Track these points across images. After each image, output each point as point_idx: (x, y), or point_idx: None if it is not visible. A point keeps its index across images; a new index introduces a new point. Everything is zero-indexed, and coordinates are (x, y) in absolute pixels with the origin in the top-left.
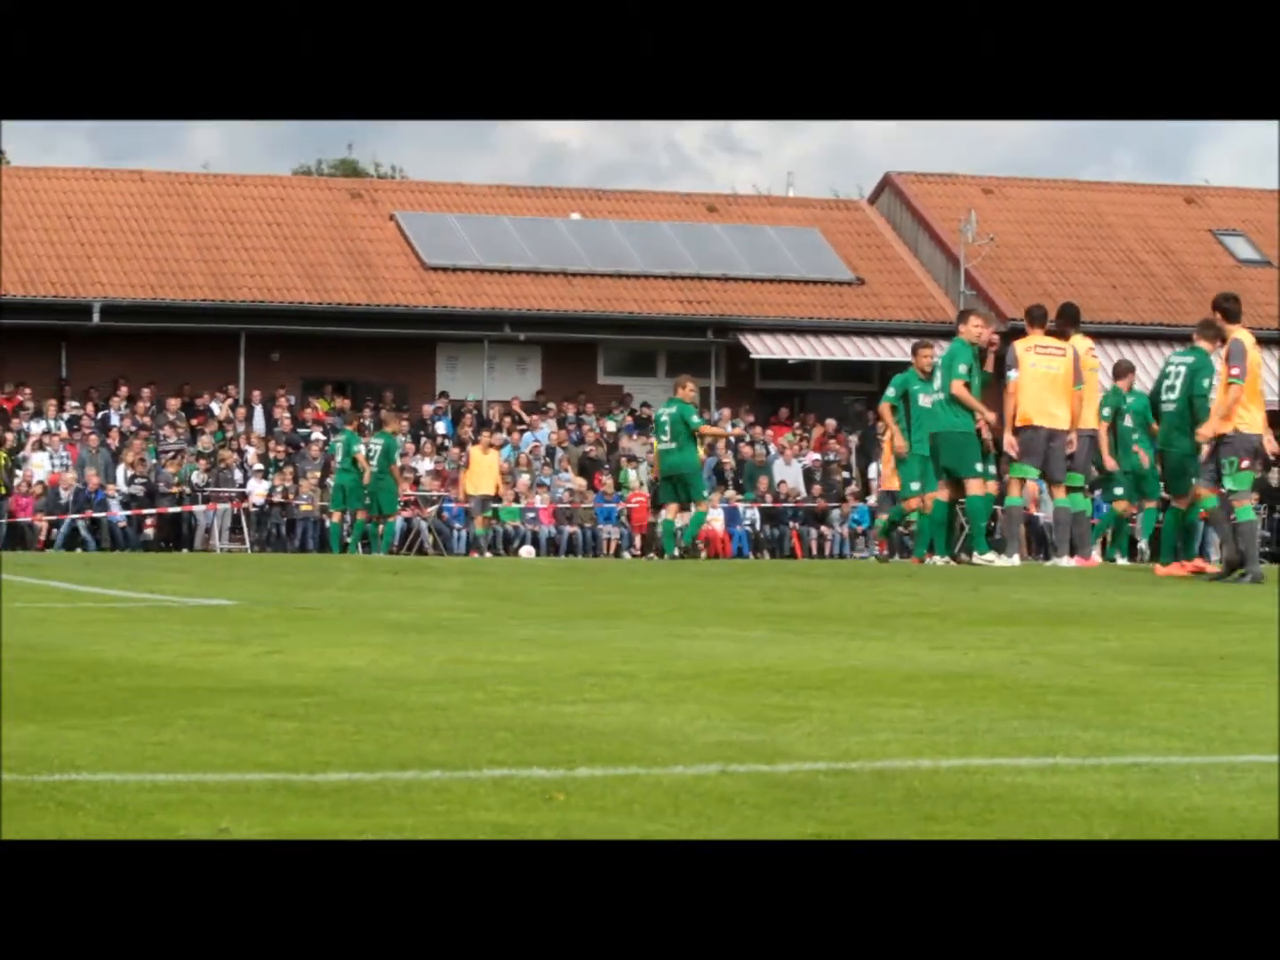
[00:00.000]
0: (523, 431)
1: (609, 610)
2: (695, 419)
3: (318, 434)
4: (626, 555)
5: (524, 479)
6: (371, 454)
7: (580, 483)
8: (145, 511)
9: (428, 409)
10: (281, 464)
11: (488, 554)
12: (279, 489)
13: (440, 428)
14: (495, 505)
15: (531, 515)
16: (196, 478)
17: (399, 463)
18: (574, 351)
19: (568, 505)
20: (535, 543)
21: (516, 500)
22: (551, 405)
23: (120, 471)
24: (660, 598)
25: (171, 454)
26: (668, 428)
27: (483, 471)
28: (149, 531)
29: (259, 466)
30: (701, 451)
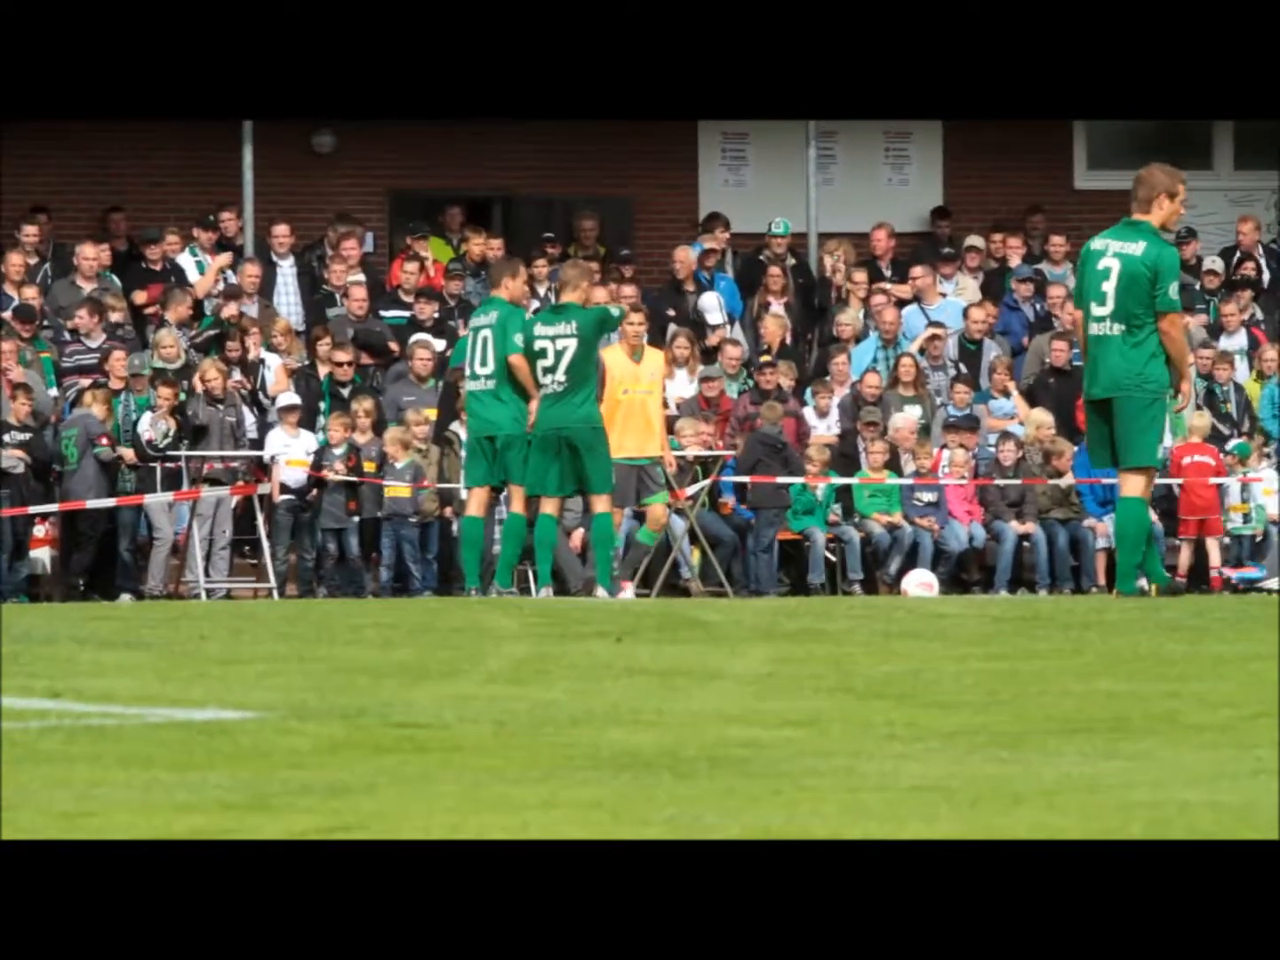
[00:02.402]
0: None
1: None
2: None
3: (416, 316)
4: None
5: None
6: (558, 354)
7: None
8: (33, 510)
9: (683, 257)
10: (348, 391)
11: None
12: (339, 451)
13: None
14: None
15: None
16: (147, 426)
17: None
18: None
19: None
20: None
21: None
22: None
23: None
24: None
25: (88, 367)
26: None
27: None
28: (40, 552)
29: (290, 398)
30: None
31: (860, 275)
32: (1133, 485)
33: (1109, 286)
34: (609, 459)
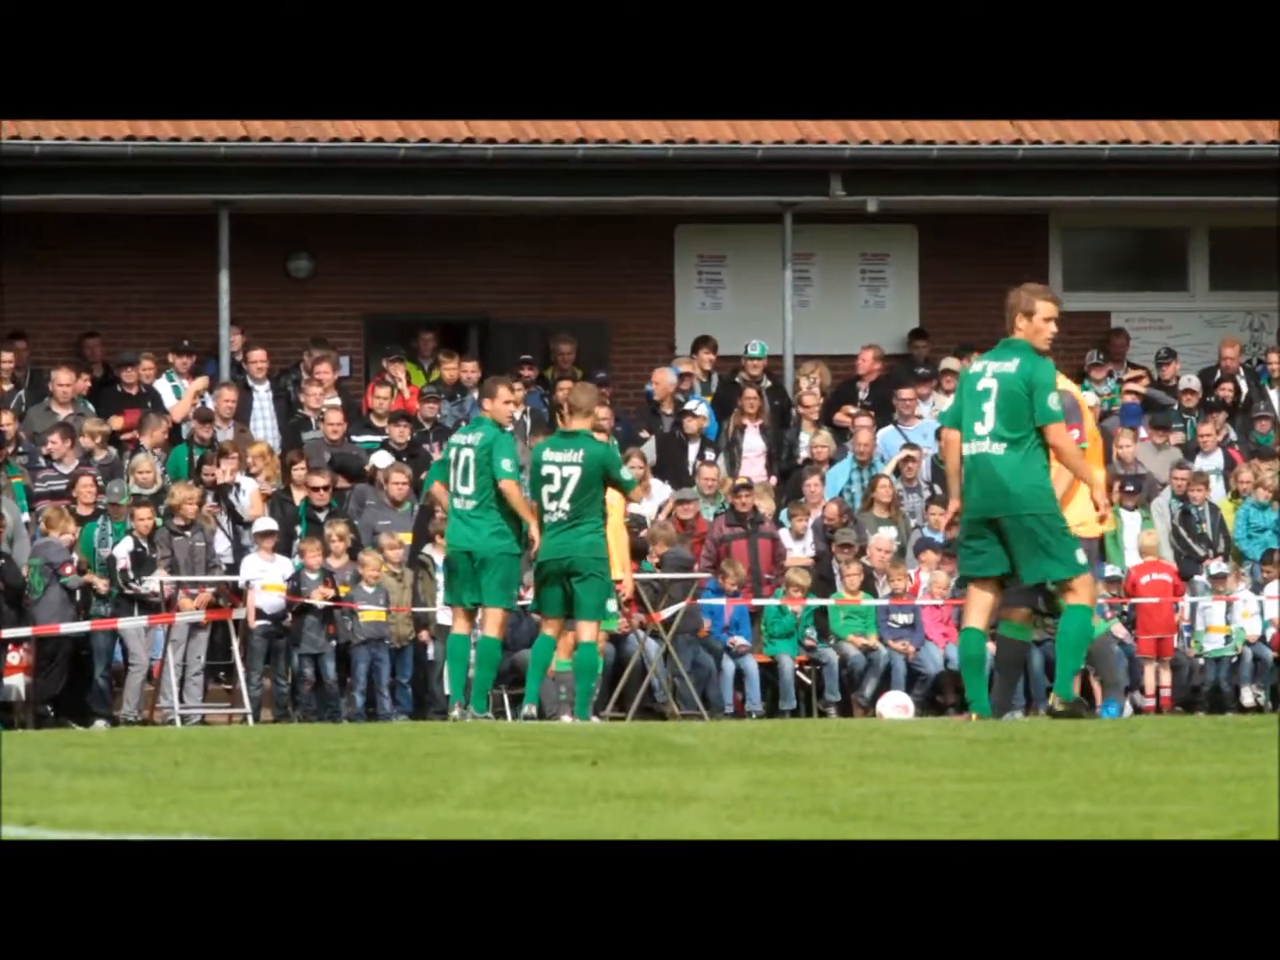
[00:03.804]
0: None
1: None
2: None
3: (387, 456)
4: None
5: None
6: (564, 481)
7: None
8: (6, 634)
9: (661, 378)
10: (324, 513)
11: None
12: (315, 576)
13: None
14: None
15: None
16: (124, 552)
17: (634, 485)
18: None
19: None
20: None
21: None
22: None
23: None
24: None
25: (59, 493)
26: None
27: None
28: (14, 680)
29: (267, 523)
30: None
31: (810, 399)
32: (1076, 595)
33: (988, 406)
34: (605, 590)
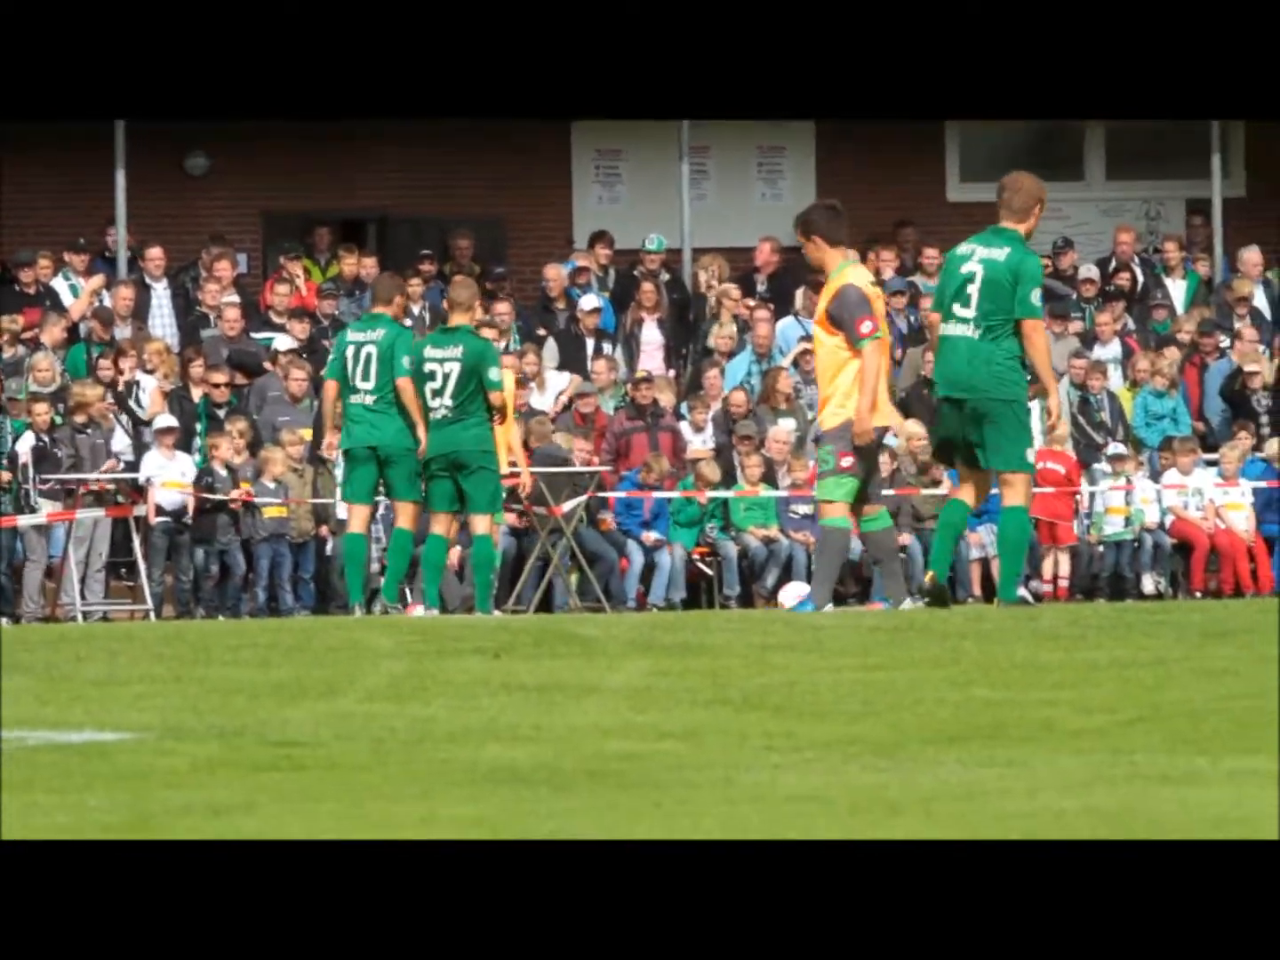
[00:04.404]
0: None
1: None
2: None
3: (289, 339)
4: None
5: None
6: (445, 376)
7: None
8: None
9: (554, 274)
10: (223, 410)
11: None
12: (218, 472)
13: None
14: None
15: None
16: (25, 448)
17: (499, 387)
18: None
19: None
20: None
21: None
22: None
23: None
24: None
25: None
26: None
27: None
28: None
29: (167, 420)
30: None
31: (735, 291)
32: (1014, 494)
33: (973, 289)
34: (495, 482)
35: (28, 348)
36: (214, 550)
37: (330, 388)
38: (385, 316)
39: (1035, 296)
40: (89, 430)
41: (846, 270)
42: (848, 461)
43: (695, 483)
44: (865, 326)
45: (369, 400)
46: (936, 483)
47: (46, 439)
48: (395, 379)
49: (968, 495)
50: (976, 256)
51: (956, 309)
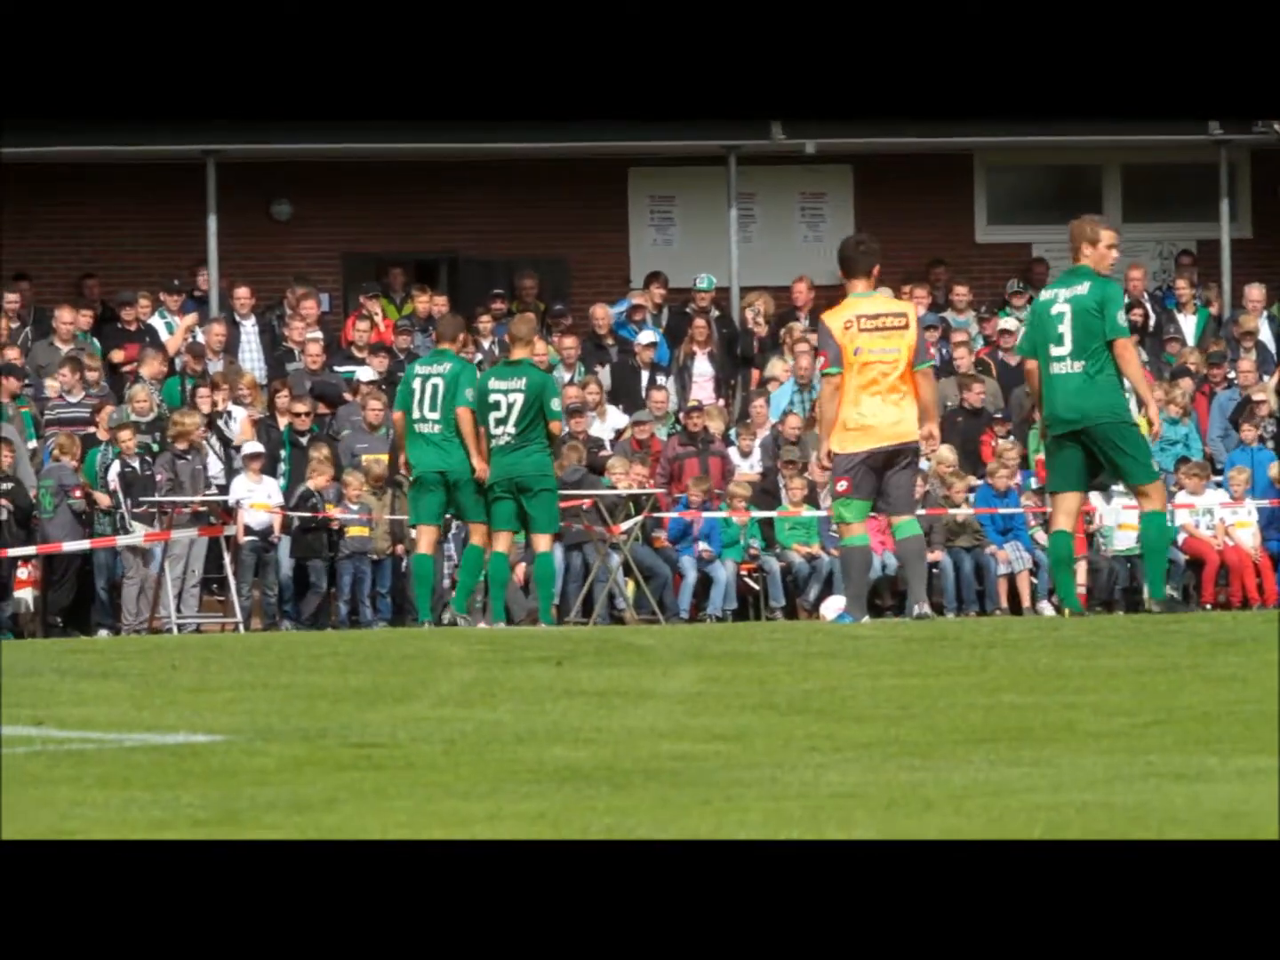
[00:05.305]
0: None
1: None
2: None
3: (371, 371)
4: None
5: None
6: (509, 406)
7: None
8: (13, 553)
9: (601, 314)
10: (305, 437)
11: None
12: (303, 493)
13: (645, 338)
14: None
15: None
16: (115, 476)
17: (560, 417)
18: None
19: None
20: None
21: None
22: None
23: None
24: None
25: (68, 420)
26: None
27: None
28: (23, 593)
29: (254, 447)
30: None
31: (799, 328)
32: (1151, 502)
33: (1065, 328)
34: (555, 503)
35: (128, 381)
36: (322, 567)
37: (399, 418)
38: (449, 352)
39: (1120, 318)
40: (189, 456)
41: (842, 303)
42: (843, 485)
43: (730, 502)
44: (819, 361)
45: (435, 429)
46: (955, 505)
47: (136, 464)
48: (456, 408)
49: (1068, 524)
50: (1061, 298)
51: (1053, 350)
